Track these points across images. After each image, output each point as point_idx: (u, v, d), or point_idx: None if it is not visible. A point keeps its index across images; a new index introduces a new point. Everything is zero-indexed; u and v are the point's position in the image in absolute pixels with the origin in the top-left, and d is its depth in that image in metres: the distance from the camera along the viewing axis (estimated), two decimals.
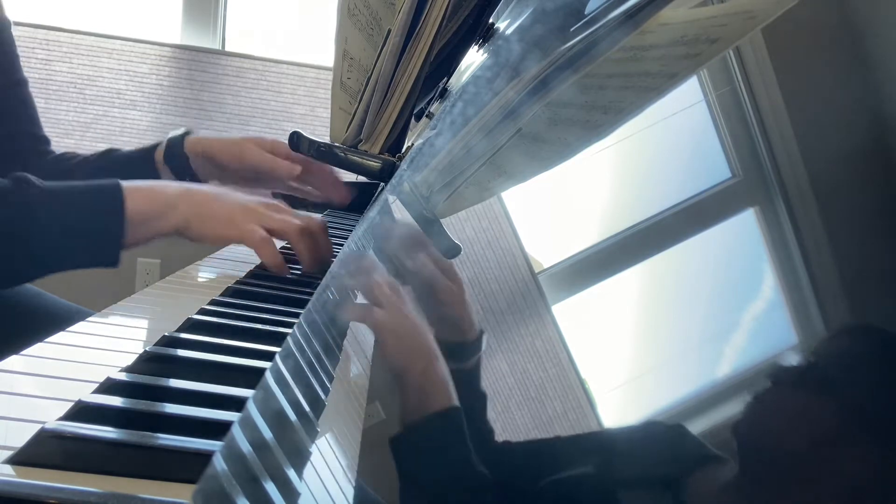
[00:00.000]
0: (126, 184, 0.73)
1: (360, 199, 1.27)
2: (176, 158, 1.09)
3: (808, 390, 0.25)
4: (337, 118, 1.23)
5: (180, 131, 1.13)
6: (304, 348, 0.45)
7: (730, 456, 0.26)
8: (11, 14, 1.27)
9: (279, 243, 0.74)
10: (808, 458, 0.23)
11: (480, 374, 0.47)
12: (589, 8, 0.55)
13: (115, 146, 1.20)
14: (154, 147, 1.12)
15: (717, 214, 0.34)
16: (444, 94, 1.09)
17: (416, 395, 0.45)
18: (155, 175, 1.10)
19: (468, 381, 0.47)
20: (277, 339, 0.44)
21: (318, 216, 0.82)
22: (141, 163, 1.12)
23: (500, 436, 0.40)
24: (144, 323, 0.51)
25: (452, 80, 1.07)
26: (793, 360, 0.26)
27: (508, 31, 0.82)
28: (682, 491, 0.27)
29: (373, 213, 0.96)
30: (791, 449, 0.24)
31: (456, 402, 0.42)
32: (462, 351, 0.48)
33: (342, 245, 0.88)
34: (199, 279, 0.70)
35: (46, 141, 1.23)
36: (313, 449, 0.35)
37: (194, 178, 1.06)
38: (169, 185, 0.76)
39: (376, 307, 0.50)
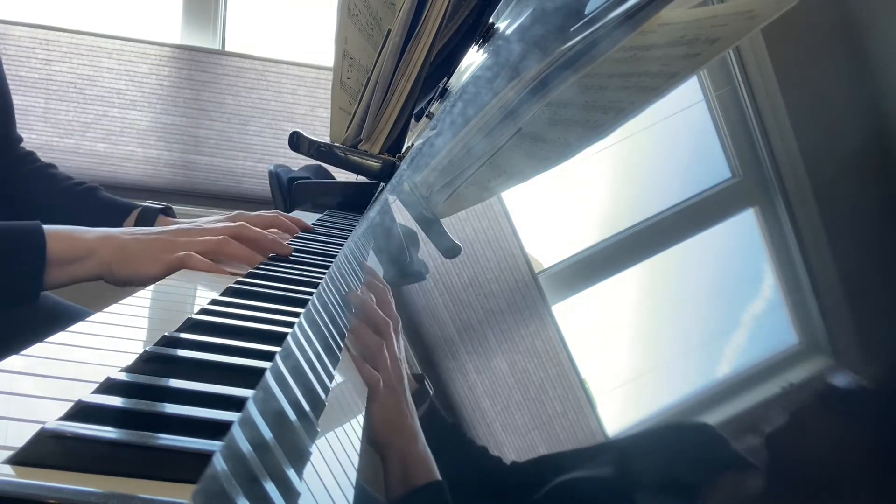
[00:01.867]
0: (48, 228, 0.74)
1: (360, 200, 1.27)
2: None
3: (859, 421, 0.24)
4: (337, 118, 1.23)
5: (157, 205, 1.15)
6: (305, 348, 0.45)
7: (758, 464, 0.26)
8: (11, 14, 1.27)
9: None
10: (847, 488, 0.23)
11: (437, 412, 0.49)
12: (589, 8, 0.55)
13: (116, 145, 1.21)
14: (130, 207, 1.15)
15: (717, 214, 0.34)
16: (444, 94, 1.09)
17: (398, 471, 0.46)
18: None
19: (430, 424, 0.48)
20: (277, 339, 0.44)
21: (226, 213, 0.84)
22: (111, 217, 1.14)
23: (503, 444, 0.40)
24: (144, 323, 0.51)
25: (452, 80, 1.07)
26: (845, 381, 0.25)
27: (508, 31, 0.82)
28: (703, 497, 0.27)
29: (373, 213, 0.96)
30: (830, 477, 0.23)
31: (438, 476, 0.44)
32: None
33: (342, 245, 0.88)
34: (199, 279, 0.69)
35: (18, 140, 1.24)
36: (313, 449, 0.35)
37: None
38: (89, 231, 0.77)
39: (374, 370, 0.51)
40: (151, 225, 1.11)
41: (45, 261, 0.72)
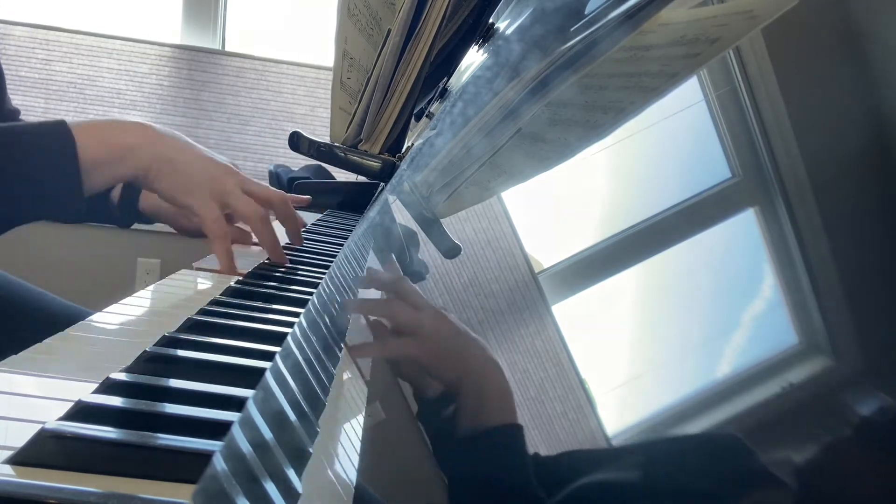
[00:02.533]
0: (74, 125, 0.67)
1: (361, 200, 1.27)
2: (129, 208, 1.04)
3: (859, 420, 0.24)
4: (337, 118, 1.23)
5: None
6: (304, 348, 0.45)
7: (790, 486, 0.25)
8: (11, 14, 1.26)
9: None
10: (848, 488, 0.23)
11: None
12: (589, 8, 0.56)
13: None
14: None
15: (717, 214, 0.34)
16: (444, 94, 1.09)
17: (472, 405, 0.42)
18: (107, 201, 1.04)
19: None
20: (277, 339, 0.44)
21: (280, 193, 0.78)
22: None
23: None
24: (144, 323, 0.51)
25: (452, 80, 1.07)
26: (845, 381, 0.25)
27: (508, 31, 0.82)
28: None
29: (373, 212, 0.95)
30: (831, 477, 0.23)
31: (516, 418, 0.40)
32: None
33: (342, 245, 0.88)
34: (200, 279, 0.69)
35: (14, 112, 1.20)
36: (313, 449, 0.35)
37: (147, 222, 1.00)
38: (122, 124, 0.69)
39: (409, 337, 0.47)
40: (136, 202, 1.03)
41: (79, 172, 0.65)
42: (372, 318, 0.57)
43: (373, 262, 0.78)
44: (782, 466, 0.25)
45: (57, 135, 0.66)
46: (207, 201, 0.68)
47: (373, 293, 0.67)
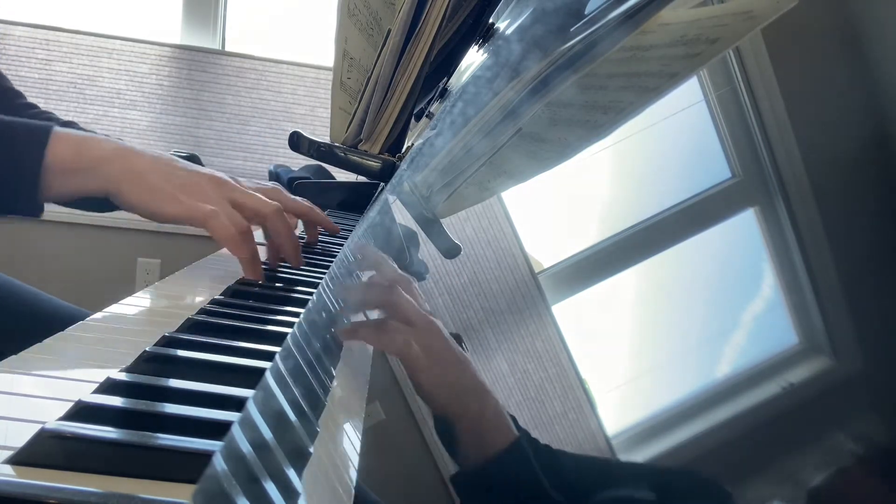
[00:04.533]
0: (58, 130, 0.66)
1: (360, 200, 1.27)
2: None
3: (859, 420, 0.24)
4: (337, 118, 1.23)
5: (182, 154, 1.08)
6: (304, 348, 0.45)
7: None
8: (11, 14, 1.25)
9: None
10: (848, 487, 0.23)
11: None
12: (589, 8, 0.55)
13: None
14: None
15: (717, 214, 0.34)
16: (444, 94, 1.09)
17: (475, 436, 0.42)
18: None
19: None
20: (277, 339, 0.44)
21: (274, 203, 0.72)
22: None
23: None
24: (144, 323, 0.51)
25: (452, 80, 1.07)
26: (845, 381, 0.25)
27: (508, 31, 0.82)
28: None
29: (373, 213, 0.95)
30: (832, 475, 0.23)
31: (516, 433, 0.40)
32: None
33: (342, 245, 0.88)
34: (200, 278, 0.69)
35: (18, 94, 1.18)
36: (313, 449, 0.35)
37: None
38: (105, 141, 0.68)
39: (411, 348, 0.46)
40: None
41: (41, 166, 0.64)
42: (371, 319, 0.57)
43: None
44: (782, 466, 0.25)
45: (33, 133, 0.66)
46: (183, 210, 0.65)
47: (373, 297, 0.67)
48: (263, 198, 0.70)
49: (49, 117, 1.19)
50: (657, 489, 0.31)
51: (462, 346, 0.47)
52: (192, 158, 1.09)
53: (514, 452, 0.39)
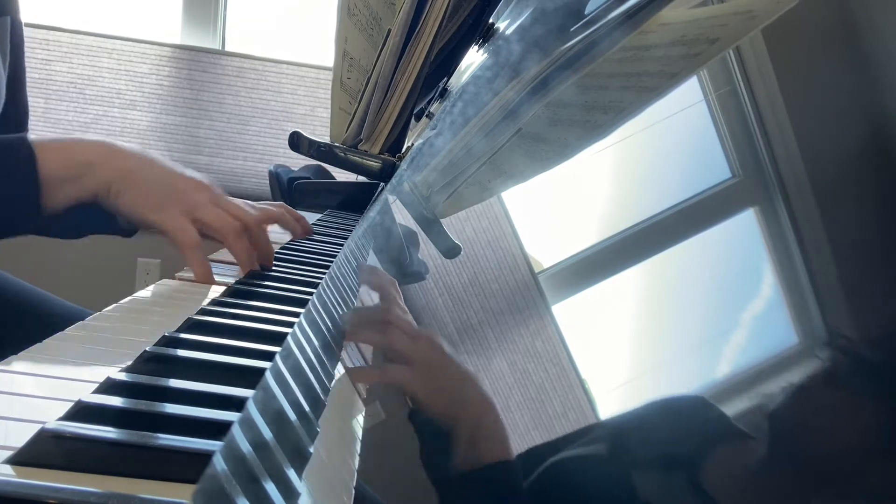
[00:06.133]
0: (36, 141, 0.64)
1: (361, 200, 1.27)
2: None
3: (863, 395, 0.24)
4: (337, 118, 1.23)
5: None
6: (305, 348, 0.45)
7: (758, 437, 0.25)
8: None
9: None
10: (846, 461, 0.23)
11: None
12: (589, 8, 0.55)
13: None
14: None
15: (717, 214, 0.34)
16: (444, 94, 1.09)
17: (468, 447, 0.42)
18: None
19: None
20: (277, 339, 0.44)
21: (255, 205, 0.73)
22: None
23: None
24: (145, 323, 0.51)
25: (452, 80, 1.07)
26: (845, 381, 0.25)
27: (508, 31, 0.82)
28: (700, 470, 0.27)
29: (373, 213, 0.96)
30: (830, 450, 0.23)
31: (512, 455, 0.40)
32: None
33: (342, 245, 0.88)
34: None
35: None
36: (313, 449, 0.35)
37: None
38: (88, 143, 0.66)
39: (405, 365, 0.46)
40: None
41: (38, 185, 0.62)
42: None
43: (372, 262, 0.78)
44: (781, 465, 0.25)
45: (18, 150, 0.64)
46: (174, 215, 0.64)
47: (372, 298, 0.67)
48: (245, 209, 0.69)
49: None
50: (620, 436, 0.31)
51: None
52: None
53: (504, 470, 0.39)
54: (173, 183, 0.66)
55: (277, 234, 0.99)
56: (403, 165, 0.96)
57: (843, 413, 0.24)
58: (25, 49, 1.13)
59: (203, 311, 0.51)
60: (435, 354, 0.47)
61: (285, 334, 0.45)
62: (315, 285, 0.63)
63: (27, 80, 1.18)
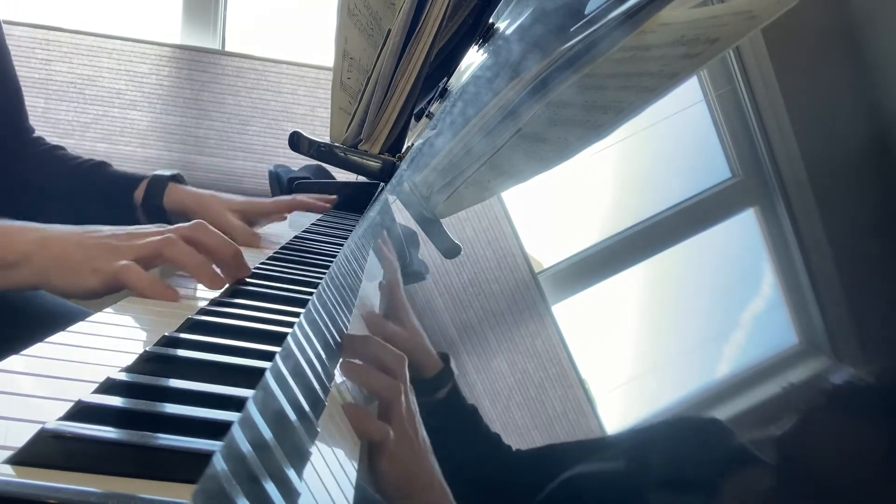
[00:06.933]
0: None
1: (361, 200, 1.27)
2: (153, 205, 1.08)
3: (860, 420, 0.24)
4: (337, 118, 1.23)
5: (166, 173, 1.10)
6: (305, 348, 0.45)
7: (770, 463, 0.25)
8: (11, 14, 1.28)
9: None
10: (850, 487, 0.23)
11: (459, 394, 0.45)
12: (589, 8, 0.56)
13: (116, 145, 1.21)
14: (139, 179, 1.11)
15: (717, 214, 0.34)
16: (444, 94, 1.09)
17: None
18: (130, 206, 1.09)
19: (445, 406, 0.45)
20: (277, 339, 0.44)
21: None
22: (119, 192, 1.10)
23: (507, 440, 0.40)
24: (145, 323, 0.51)
25: (452, 80, 1.07)
26: (845, 381, 0.25)
27: (508, 31, 0.82)
28: (715, 495, 0.27)
29: (373, 213, 0.95)
30: (843, 481, 0.23)
31: None
32: (428, 387, 0.47)
33: (342, 245, 0.88)
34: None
35: (29, 130, 1.21)
36: (313, 449, 0.35)
37: (169, 222, 0.92)
38: (29, 232, 0.65)
39: (385, 423, 0.46)
40: (160, 196, 1.07)
41: None
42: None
43: (372, 262, 0.78)
44: (780, 464, 0.25)
45: None
46: (109, 268, 0.62)
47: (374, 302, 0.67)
48: (173, 228, 0.67)
49: (58, 149, 1.21)
50: (636, 455, 0.31)
51: (449, 367, 0.48)
52: (177, 178, 1.11)
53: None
54: (99, 244, 0.64)
55: (278, 235, 0.99)
56: (403, 165, 0.96)
57: (851, 432, 0.24)
58: (25, 49, 1.15)
59: (203, 311, 0.51)
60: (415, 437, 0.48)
61: (285, 334, 0.45)
62: (315, 285, 0.63)
63: (27, 80, 1.19)
